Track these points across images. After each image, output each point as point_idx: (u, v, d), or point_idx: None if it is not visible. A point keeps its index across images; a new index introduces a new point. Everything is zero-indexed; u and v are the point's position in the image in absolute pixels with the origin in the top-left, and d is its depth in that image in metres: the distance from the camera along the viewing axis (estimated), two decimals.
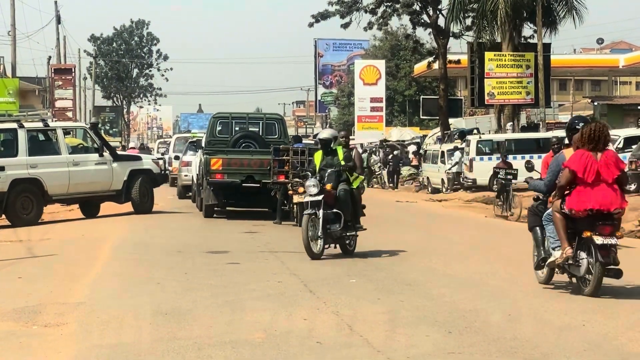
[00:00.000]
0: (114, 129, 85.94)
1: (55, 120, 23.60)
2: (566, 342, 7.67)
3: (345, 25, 45.33)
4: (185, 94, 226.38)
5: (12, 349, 7.44)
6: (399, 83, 69.51)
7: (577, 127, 9.94)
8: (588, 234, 9.42)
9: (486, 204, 27.31)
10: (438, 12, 42.20)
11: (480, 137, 33.12)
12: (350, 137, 26.86)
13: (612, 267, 9.47)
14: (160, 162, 25.06)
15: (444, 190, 33.51)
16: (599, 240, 9.34)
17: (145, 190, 20.78)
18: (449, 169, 33.38)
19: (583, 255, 9.52)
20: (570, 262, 9.64)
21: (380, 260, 13.06)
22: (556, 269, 9.99)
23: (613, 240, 9.43)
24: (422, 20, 43.44)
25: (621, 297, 9.80)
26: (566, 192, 9.65)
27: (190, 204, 24.61)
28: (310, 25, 46.59)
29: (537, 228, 10.32)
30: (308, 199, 13.03)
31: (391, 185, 39.11)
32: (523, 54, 37.94)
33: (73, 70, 61.26)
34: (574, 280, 9.65)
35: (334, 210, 13.02)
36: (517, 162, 31.33)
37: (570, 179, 9.59)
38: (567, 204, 9.62)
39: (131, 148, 37.50)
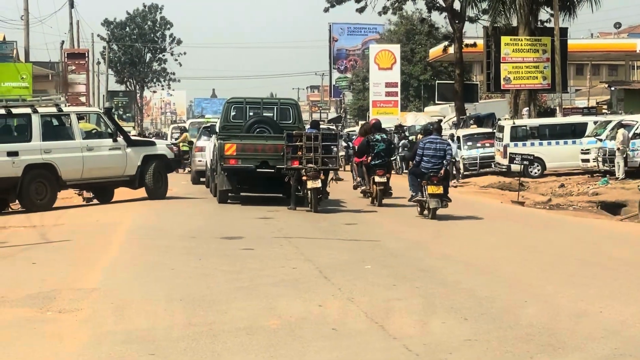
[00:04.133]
0: (127, 114, 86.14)
1: (69, 105, 23.54)
2: (583, 329, 7.62)
3: (360, 10, 45.28)
4: (199, 78, 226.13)
5: (27, 335, 7.43)
6: (414, 68, 69.30)
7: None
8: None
9: (501, 189, 27.23)
10: None
11: (514, 123, 32.92)
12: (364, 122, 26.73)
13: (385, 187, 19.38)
14: (174, 147, 25.02)
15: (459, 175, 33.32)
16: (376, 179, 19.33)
17: (159, 176, 20.73)
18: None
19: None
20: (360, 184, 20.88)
21: (395, 247, 13.00)
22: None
23: (384, 179, 19.19)
24: (438, 4, 43.30)
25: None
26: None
27: (204, 189, 24.59)
28: (326, 10, 46.58)
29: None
30: None
31: (406, 171, 38.95)
32: (539, 39, 37.71)
33: (86, 55, 61.32)
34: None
35: None
36: (551, 147, 31.44)
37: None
38: (356, 160, 21.18)
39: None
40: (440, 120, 46.73)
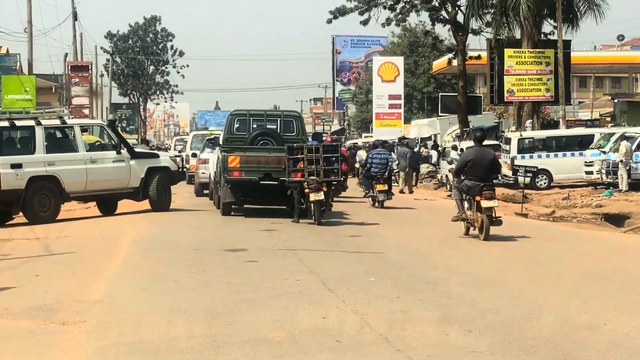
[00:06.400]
0: (130, 126, 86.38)
1: (72, 118, 23.56)
2: (587, 341, 7.60)
3: (364, 22, 45.28)
4: (202, 91, 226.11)
5: (31, 347, 7.43)
6: (417, 80, 69.41)
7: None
8: None
9: (505, 201, 27.18)
10: (457, 8, 42.07)
11: (521, 135, 32.93)
12: (368, 135, 27.09)
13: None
14: (178, 159, 25.03)
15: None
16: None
17: (163, 188, 20.74)
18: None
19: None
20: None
21: (399, 258, 12.99)
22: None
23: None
24: (441, 17, 43.32)
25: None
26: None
27: (207, 201, 24.59)
28: (329, 21, 46.56)
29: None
30: None
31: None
32: (543, 51, 37.79)
33: (90, 68, 61.39)
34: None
35: None
36: (558, 159, 31.50)
37: None
38: None
39: None
40: (433, 136, 47.16)
